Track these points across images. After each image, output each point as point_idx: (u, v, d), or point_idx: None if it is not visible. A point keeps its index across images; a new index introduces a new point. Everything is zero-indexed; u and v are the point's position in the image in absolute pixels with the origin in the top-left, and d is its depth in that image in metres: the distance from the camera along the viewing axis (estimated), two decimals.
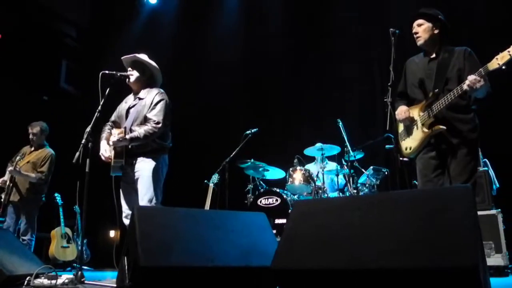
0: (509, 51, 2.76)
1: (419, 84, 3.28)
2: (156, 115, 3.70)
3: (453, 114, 3.08)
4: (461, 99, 3.02)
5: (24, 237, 5.25)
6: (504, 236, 4.27)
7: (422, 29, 3.23)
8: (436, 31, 3.23)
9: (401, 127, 3.42)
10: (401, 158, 3.39)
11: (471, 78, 2.86)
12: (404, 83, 3.45)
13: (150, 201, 3.59)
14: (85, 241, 6.47)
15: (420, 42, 3.26)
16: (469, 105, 3.11)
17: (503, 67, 2.78)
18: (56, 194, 6.44)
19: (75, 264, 6.29)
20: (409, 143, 3.25)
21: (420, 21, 3.25)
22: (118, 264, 2.75)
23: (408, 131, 3.28)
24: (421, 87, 3.27)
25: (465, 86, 2.89)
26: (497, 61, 2.79)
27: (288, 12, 7.75)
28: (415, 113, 3.25)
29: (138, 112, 3.80)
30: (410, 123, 3.25)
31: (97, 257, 6.99)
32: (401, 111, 3.27)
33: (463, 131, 3.05)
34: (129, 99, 4.01)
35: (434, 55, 3.26)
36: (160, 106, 3.75)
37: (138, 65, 3.94)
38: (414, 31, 3.27)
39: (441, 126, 3.06)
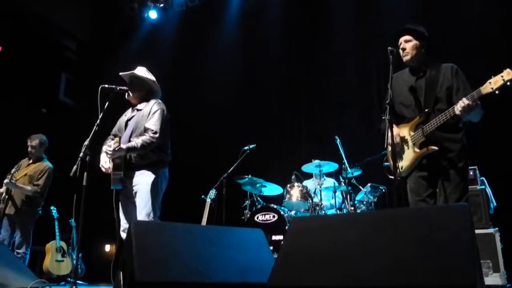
0: (502, 76, 2.78)
1: (408, 103, 3.29)
2: (154, 124, 3.70)
3: (443, 133, 3.10)
4: (450, 119, 3.03)
5: (18, 250, 5.20)
6: (502, 255, 4.25)
7: (409, 45, 3.25)
8: (423, 49, 3.26)
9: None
10: (391, 177, 3.42)
11: (464, 103, 2.86)
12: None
13: (148, 215, 3.55)
14: (80, 255, 6.41)
15: (407, 57, 3.28)
16: (458, 124, 3.13)
17: (496, 92, 2.80)
18: (52, 207, 6.40)
19: (70, 279, 6.24)
20: (401, 162, 3.25)
21: (407, 37, 3.27)
22: (114, 279, 2.73)
23: (400, 150, 3.27)
24: (410, 106, 3.28)
25: (457, 112, 2.91)
26: (490, 85, 2.81)
27: (287, 29, 7.83)
28: (405, 132, 3.26)
29: (137, 122, 3.80)
30: (401, 142, 3.26)
31: (92, 272, 6.92)
32: (394, 136, 3.28)
33: (454, 151, 3.08)
34: (129, 112, 4.03)
35: (421, 74, 3.28)
36: (157, 116, 3.74)
37: (136, 81, 3.96)
38: (401, 46, 3.29)
39: (433, 147, 3.08)
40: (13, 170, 5.34)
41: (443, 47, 5.57)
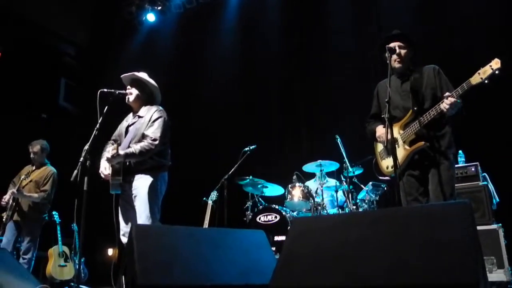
0: (491, 65, 2.81)
1: (396, 104, 3.34)
2: (153, 132, 3.70)
3: (431, 131, 3.15)
4: (437, 115, 3.08)
5: (25, 256, 5.25)
6: (506, 251, 4.23)
7: (403, 53, 3.31)
8: (411, 55, 3.35)
9: (380, 147, 3.50)
10: (381, 177, 3.45)
11: (450, 100, 2.93)
12: (377, 105, 3.55)
13: (148, 218, 3.56)
14: (82, 260, 6.40)
15: (399, 65, 3.32)
16: (443, 120, 3.18)
17: (486, 81, 2.83)
18: (54, 212, 6.39)
19: (73, 284, 6.23)
20: (391, 162, 3.25)
21: (401, 44, 3.32)
22: (116, 283, 2.72)
23: (389, 150, 3.28)
24: (398, 107, 3.33)
25: (443, 108, 2.97)
26: (480, 76, 2.85)
27: (286, 30, 7.82)
28: (395, 131, 3.28)
29: (137, 129, 3.81)
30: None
31: (95, 276, 6.91)
32: (382, 133, 3.30)
33: (442, 146, 3.14)
34: (129, 118, 4.03)
35: (406, 77, 3.35)
36: (158, 123, 3.75)
37: (137, 83, 3.96)
38: (396, 52, 3.29)
39: (424, 142, 3.13)
40: (21, 177, 5.37)
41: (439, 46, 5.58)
